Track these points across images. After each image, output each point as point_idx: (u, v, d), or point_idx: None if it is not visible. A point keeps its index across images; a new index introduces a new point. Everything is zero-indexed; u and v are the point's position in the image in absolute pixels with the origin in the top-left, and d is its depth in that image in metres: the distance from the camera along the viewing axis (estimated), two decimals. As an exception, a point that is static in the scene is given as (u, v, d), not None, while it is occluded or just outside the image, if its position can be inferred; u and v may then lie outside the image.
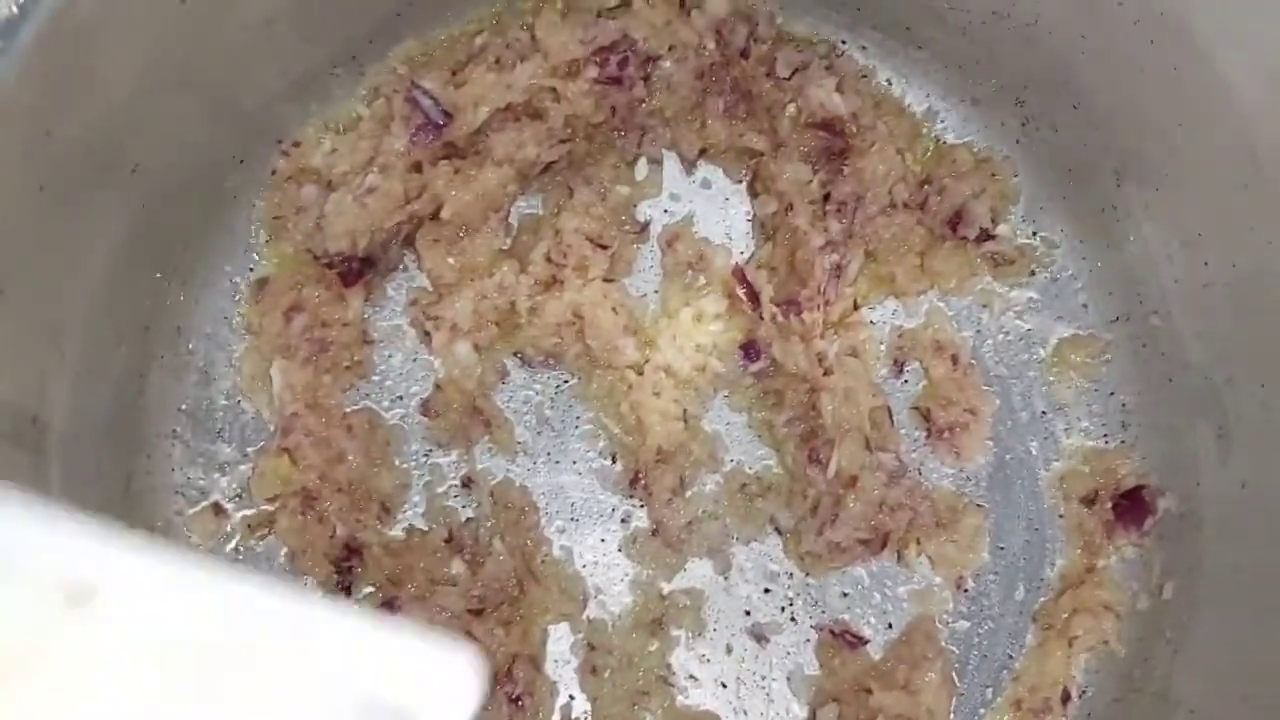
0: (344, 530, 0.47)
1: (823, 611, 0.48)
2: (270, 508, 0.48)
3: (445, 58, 0.48)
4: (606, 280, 0.49)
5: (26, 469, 0.40)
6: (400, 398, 0.49)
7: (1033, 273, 0.50)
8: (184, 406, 0.48)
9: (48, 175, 0.38)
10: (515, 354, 0.49)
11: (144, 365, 0.46)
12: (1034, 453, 0.49)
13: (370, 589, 0.47)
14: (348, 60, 0.47)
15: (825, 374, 0.47)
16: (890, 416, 0.49)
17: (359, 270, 0.47)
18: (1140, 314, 0.48)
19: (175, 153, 0.43)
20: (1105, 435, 0.49)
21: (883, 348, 0.50)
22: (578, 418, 0.49)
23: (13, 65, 0.35)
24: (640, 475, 0.48)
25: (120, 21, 0.37)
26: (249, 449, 0.48)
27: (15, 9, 0.35)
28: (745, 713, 0.48)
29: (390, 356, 0.49)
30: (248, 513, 0.48)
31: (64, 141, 0.37)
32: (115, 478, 0.46)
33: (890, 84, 0.50)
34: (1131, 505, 0.47)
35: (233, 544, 0.48)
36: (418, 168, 0.47)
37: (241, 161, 0.47)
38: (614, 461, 0.49)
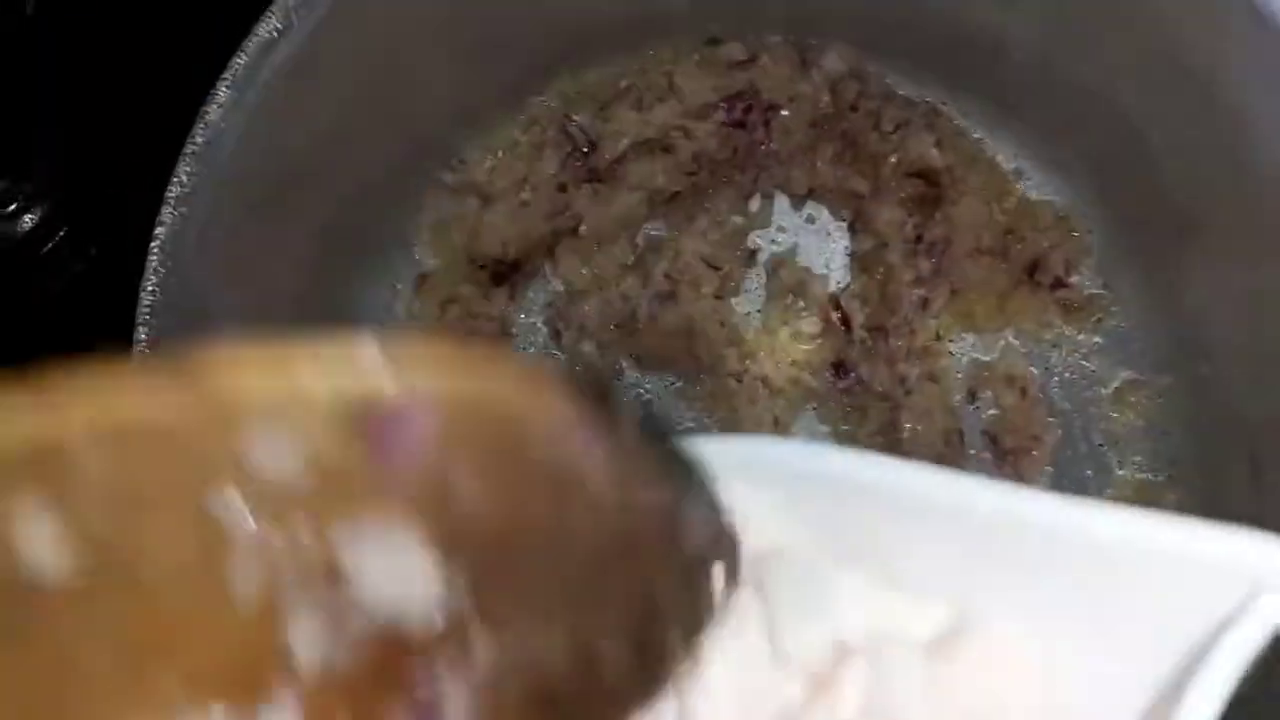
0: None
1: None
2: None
3: (594, 96, 0.55)
4: (716, 297, 0.54)
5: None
6: (531, 386, 0.55)
7: (1099, 320, 0.54)
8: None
9: (257, 195, 0.45)
10: (631, 355, 0.54)
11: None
12: (1088, 480, 0.53)
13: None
14: (511, 94, 0.54)
15: (906, 394, 0.52)
16: (961, 438, 0.53)
17: (507, 273, 0.55)
18: (1192, 363, 0.52)
19: (357, 171, 0.49)
20: (1154, 469, 0.53)
21: (960, 377, 0.54)
22: (680, 416, 0.54)
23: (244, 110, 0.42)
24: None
25: (332, 65, 0.45)
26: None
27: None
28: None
29: (524, 349, 0.55)
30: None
31: (272, 166, 0.45)
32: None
33: (984, 143, 0.55)
34: (1171, 532, 0.52)
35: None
36: (563, 188, 0.54)
37: (413, 176, 0.54)
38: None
